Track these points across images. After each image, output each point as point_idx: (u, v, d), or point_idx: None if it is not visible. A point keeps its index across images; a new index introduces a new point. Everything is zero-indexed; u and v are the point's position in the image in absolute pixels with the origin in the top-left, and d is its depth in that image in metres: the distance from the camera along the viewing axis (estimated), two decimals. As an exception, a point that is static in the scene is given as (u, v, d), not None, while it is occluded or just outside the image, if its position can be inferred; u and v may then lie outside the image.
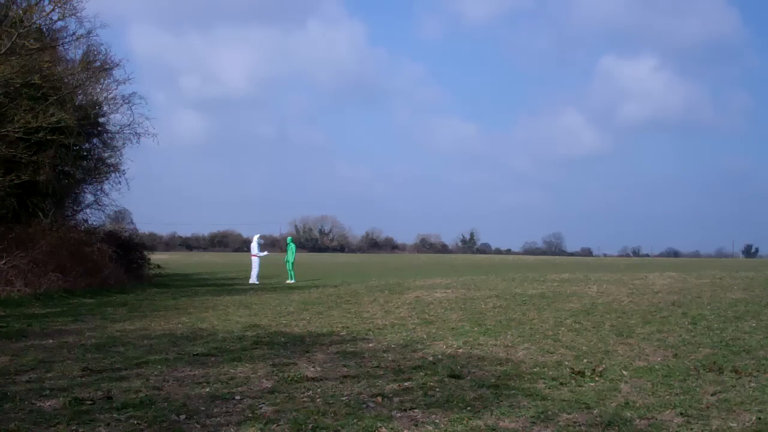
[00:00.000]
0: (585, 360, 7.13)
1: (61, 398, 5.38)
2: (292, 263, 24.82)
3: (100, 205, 22.00)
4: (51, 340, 8.55)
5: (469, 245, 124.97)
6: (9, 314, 11.53)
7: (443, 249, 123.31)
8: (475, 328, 9.58)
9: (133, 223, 32.50)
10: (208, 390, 5.75)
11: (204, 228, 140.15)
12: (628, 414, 5.03)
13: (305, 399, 5.46)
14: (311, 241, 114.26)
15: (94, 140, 21.63)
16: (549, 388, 5.83)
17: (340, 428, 4.64)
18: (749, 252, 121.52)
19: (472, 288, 15.71)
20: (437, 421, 4.85)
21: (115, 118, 22.03)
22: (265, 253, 24.09)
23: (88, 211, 22.34)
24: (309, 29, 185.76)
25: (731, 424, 4.73)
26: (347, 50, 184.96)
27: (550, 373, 6.45)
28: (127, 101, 20.91)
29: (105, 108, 21.01)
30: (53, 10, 16.72)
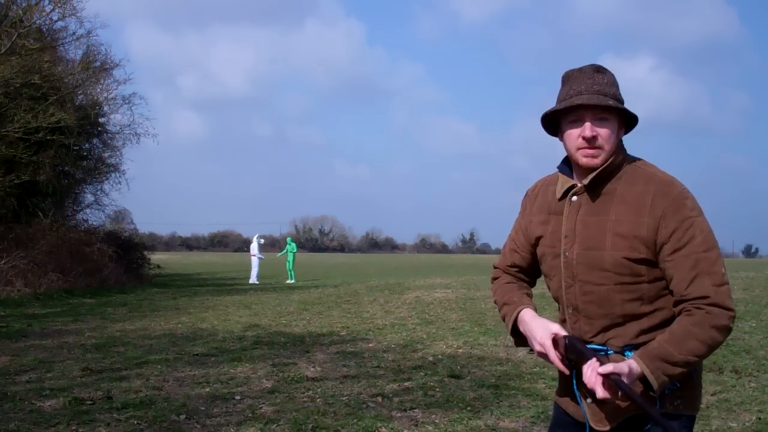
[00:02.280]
0: (585, 360, 7.12)
1: (61, 398, 5.37)
2: (292, 263, 24.82)
3: (100, 205, 22.03)
4: (51, 340, 8.55)
5: (469, 245, 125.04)
6: (9, 314, 11.53)
7: (443, 249, 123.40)
8: (475, 328, 9.58)
9: (133, 223, 32.61)
10: (208, 390, 5.75)
11: (204, 228, 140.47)
12: (628, 414, 5.02)
13: (305, 399, 5.46)
14: (311, 241, 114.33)
15: (94, 140, 21.64)
16: (549, 388, 5.82)
17: (340, 428, 4.64)
18: (749, 252, 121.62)
19: (472, 288, 15.72)
20: (437, 421, 4.85)
21: (115, 118, 22.07)
22: (262, 256, 23.99)
23: (88, 211, 22.37)
24: (306, 29, 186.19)
25: (731, 424, 4.73)
26: (345, 50, 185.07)
27: (550, 373, 6.44)
28: (127, 101, 20.95)
29: (105, 108, 21.03)
30: (53, 10, 16.76)
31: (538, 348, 1.97)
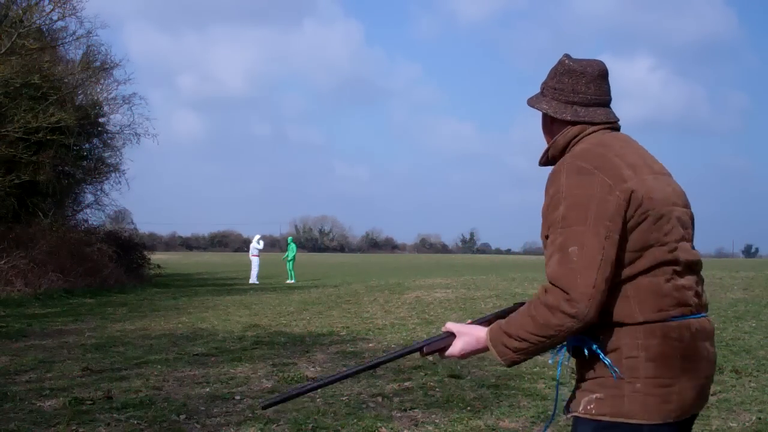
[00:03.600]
0: (585, 360, 7.10)
1: (61, 398, 5.38)
2: (293, 263, 24.82)
3: (100, 205, 22.05)
4: (51, 340, 8.55)
5: (469, 245, 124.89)
6: (9, 314, 11.53)
7: (443, 249, 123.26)
8: (475, 328, 9.57)
9: (133, 223, 32.60)
10: (208, 390, 5.75)
11: (204, 228, 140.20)
12: (628, 414, 5.01)
13: (305, 399, 5.46)
14: (311, 241, 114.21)
15: (94, 140, 21.66)
16: (549, 388, 5.83)
17: (340, 428, 4.64)
18: (749, 252, 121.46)
19: (472, 288, 15.71)
20: (437, 421, 4.85)
21: (115, 118, 22.06)
22: (261, 246, 24.19)
23: (88, 211, 22.39)
24: (305, 29, 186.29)
25: (731, 424, 4.73)
26: (344, 50, 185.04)
27: (550, 373, 6.45)
28: (127, 101, 20.96)
29: (105, 108, 21.04)
30: (53, 10, 16.77)
31: None
